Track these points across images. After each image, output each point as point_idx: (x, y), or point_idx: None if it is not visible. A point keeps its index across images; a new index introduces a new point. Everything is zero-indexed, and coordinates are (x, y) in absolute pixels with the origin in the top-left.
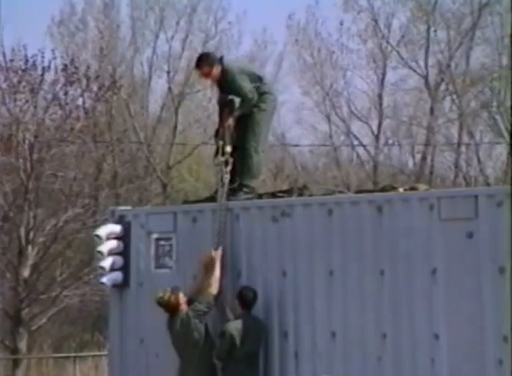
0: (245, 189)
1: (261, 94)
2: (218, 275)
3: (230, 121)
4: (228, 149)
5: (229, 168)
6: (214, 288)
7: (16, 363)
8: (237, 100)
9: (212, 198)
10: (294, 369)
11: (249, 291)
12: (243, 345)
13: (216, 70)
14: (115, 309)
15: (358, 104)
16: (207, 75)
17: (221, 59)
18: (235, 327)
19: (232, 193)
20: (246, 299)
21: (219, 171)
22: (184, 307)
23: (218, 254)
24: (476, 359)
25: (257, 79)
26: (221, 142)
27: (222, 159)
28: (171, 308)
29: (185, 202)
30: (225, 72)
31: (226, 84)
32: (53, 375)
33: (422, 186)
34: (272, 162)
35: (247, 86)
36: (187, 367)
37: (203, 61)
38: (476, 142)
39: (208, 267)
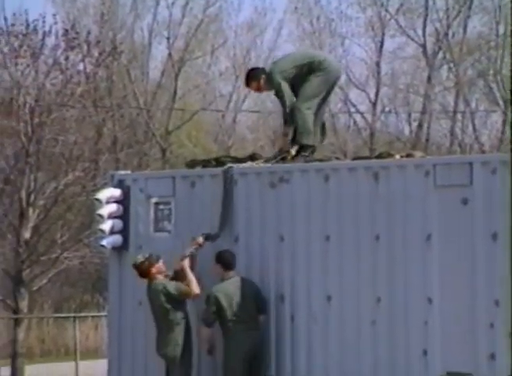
0: (302, 152)
1: (311, 70)
2: (192, 278)
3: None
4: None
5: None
6: (195, 288)
7: (17, 323)
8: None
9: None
10: (290, 332)
11: (226, 252)
12: (230, 305)
13: (264, 83)
14: (114, 271)
15: (356, 72)
16: (257, 89)
17: (263, 69)
18: (219, 289)
19: (292, 157)
20: (225, 260)
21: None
22: (160, 277)
23: (185, 263)
24: (468, 323)
25: (300, 70)
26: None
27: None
28: (140, 272)
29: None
30: (268, 83)
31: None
32: (53, 335)
33: (418, 153)
34: (269, 129)
35: (286, 99)
36: (160, 337)
37: (250, 78)
38: (472, 110)
39: (182, 273)
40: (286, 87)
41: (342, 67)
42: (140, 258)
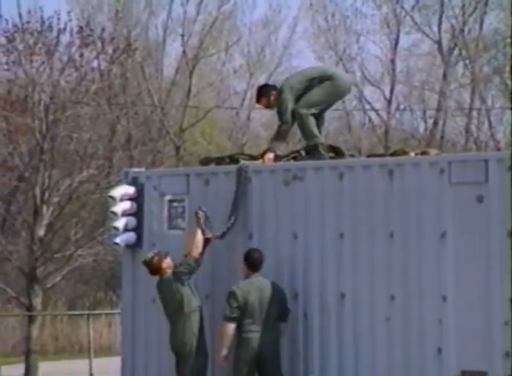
0: (314, 152)
1: (321, 82)
2: (200, 237)
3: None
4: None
5: None
6: (195, 251)
7: (31, 320)
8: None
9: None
10: (303, 329)
11: (255, 252)
12: (245, 305)
13: (274, 99)
14: (128, 269)
15: (371, 69)
16: (267, 106)
17: (274, 87)
18: (239, 285)
19: (307, 154)
20: (251, 261)
21: None
22: (169, 271)
23: (198, 218)
24: (483, 321)
25: (311, 82)
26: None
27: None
28: (152, 269)
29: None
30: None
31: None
32: (67, 332)
33: (433, 151)
34: None
35: (285, 122)
36: (174, 330)
37: (261, 94)
38: (487, 107)
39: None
40: (290, 103)
41: (353, 82)
42: (150, 254)
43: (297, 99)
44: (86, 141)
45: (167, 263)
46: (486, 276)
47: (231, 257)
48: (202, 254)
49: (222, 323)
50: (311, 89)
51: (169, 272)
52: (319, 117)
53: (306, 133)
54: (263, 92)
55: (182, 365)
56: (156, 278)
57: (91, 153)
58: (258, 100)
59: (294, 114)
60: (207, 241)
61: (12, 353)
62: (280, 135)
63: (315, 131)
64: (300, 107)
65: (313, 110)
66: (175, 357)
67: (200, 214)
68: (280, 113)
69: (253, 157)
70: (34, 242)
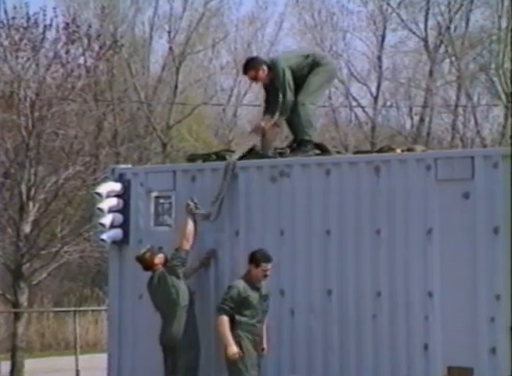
0: (302, 147)
1: (312, 66)
2: (190, 229)
3: (264, 123)
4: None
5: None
6: (185, 244)
7: (17, 317)
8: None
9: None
10: (290, 326)
11: (261, 253)
12: (242, 301)
13: (262, 73)
14: (114, 266)
15: (358, 66)
16: (254, 79)
17: (265, 62)
18: (239, 281)
19: (292, 151)
20: (254, 259)
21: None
22: (161, 266)
23: (188, 209)
24: (469, 317)
25: (305, 59)
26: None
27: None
28: (145, 264)
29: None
30: (270, 73)
31: (273, 84)
32: (53, 329)
33: (419, 147)
34: None
35: (288, 91)
36: (168, 325)
37: (249, 66)
38: (473, 104)
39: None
40: (288, 74)
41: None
42: (142, 250)
43: (294, 77)
44: (72, 137)
45: (160, 258)
46: (472, 273)
47: (218, 253)
48: (192, 246)
49: (216, 316)
50: (306, 73)
51: (161, 267)
52: None
53: (307, 125)
54: (252, 63)
55: (173, 359)
56: (146, 274)
57: (77, 149)
58: (246, 72)
59: (298, 105)
60: (196, 234)
61: None
62: (285, 108)
63: (314, 126)
64: (304, 98)
65: (315, 102)
66: (164, 353)
67: (192, 204)
68: (282, 86)
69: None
70: (19, 239)
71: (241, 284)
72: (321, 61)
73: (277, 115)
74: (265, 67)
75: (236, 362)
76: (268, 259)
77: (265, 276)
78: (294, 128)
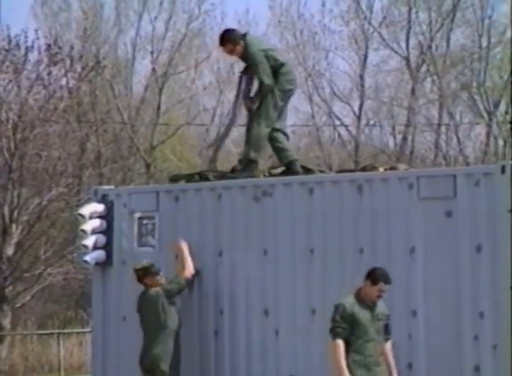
0: (247, 168)
1: (278, 74)
2: (189, 259)
3: (242, 103)
4: None
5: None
6: (187, 272)
7: (0, 340)
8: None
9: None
10: (274, 346)
11: (382, 272)
12: None
13: (240, 48)
14: (98, 287)
15: (340, 85)
16: (230, 52)
17: (244, 36)
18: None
19: (233, 170)
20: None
21: None
22: (157, 288)
23: (183, 244)
24: (453, 335)
25: (274, 58)
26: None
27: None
28: (141, 275)
29: (174, 177)
30: (246, 52)
31: (248, 63)
32: (37, 352)
33: (402, 166)
34: None
35: (266, 72)
36: (150, 347)
37: (226, 39)
38: (456, 122)
39: (179, 253)
40: (263, 58)
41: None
42: (143, 263)
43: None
44: (55, 159)
45: (153, 283)
46: (456, 291)
47: (201, 274)
48: (193, 276)
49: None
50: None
51: (158, 287)
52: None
53: (254, 146)
54: (230, 37)
55: None
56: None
57: (60, 171)
58: (223, 44)
59: (254, 124)
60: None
61: None
62: (261, 96)
63: (262, 149)
64: (261, 120)
65: (271, 124)
66: (143, 375)
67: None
68: (256, 67)
69: (223, 174)
70: (2, 261)
71: (349, 301)
72: (282, 67)
73: (255, 99)
74: (242, 43)
75: None
76: (387, 280)
77: (379, 296)
78: (245, 143)
